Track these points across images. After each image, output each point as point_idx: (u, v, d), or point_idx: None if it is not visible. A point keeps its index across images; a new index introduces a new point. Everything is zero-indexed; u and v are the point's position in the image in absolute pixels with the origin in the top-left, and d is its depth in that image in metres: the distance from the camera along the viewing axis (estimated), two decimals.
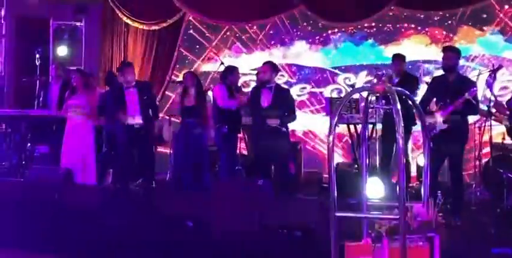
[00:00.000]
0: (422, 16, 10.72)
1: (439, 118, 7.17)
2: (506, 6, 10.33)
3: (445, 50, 7.54)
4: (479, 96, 7.54)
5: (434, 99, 7.42)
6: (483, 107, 8.07)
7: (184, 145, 8.54)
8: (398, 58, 9.00)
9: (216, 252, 6.36)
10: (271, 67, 8.23)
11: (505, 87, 10.16)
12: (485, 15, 10.38)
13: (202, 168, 8.37)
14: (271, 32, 11.99)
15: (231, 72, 9.22)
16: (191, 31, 12.42)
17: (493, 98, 8.08)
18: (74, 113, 8.77)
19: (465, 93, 6.99)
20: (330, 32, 11.56)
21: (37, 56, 11.35)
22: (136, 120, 8.65)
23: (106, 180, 9.66)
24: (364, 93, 4.55)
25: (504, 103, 8.32)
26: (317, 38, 11.69)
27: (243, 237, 6.42)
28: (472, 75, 8.56)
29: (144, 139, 8.81)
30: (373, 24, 11.06)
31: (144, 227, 7.16)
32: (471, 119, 7.81)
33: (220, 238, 6.48)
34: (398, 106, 3.86)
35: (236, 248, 6.33)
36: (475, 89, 7.11)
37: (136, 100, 8.69)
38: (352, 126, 9.55)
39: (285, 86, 9.23)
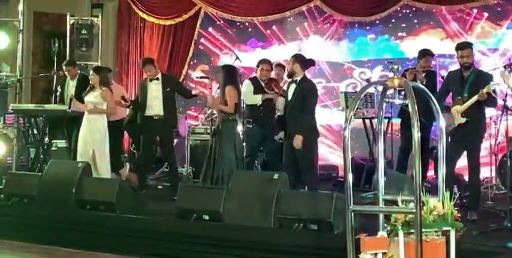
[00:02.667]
0: (437, 10, 10.66)
1: (456, 116, 7.17)
2: None
3: (464, 46, 7.44)
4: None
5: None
6: (499, 101, 8.03)
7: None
8: (428, 54, 8.93)
9: (232, 246, 6.40)
10: (293, 60, 8.04)
11: None
12: (500, 9, 10.31)
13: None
14: (287, 26, 12.00)
15: (257, 66, 9.07)
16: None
17: (509, 92, 8.04)
18: (91, 110, 8.80)
19: (484, 86, 6.98)
20: (345, 26, 11.54)
21: (54, 51, 11.42)
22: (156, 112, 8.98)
23: (123, 174, 9.73)
24: (380, 88, 4.56)
25: None
26: (332, 32, 11.68)
27: (258, 231, 6.45)
28: (488, 70, 8.52)
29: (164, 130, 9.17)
30: (389, 18, 11.02)
31: (161, 220, 7.20)
32: (487, 113, 7.79)
33: (235, 231, 6.51)
34: (414, 100, 3.87)
35: (251, 242, 6.37)
36: (493, 82, 7.11)
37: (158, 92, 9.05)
38: (368, 121, 9.57)
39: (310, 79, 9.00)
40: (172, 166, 9.28)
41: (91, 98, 8.78)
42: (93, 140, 8.68)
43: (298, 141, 7.60)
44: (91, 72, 9.00)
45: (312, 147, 7.90)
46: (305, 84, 7.96)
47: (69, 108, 9.23)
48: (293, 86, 7.91)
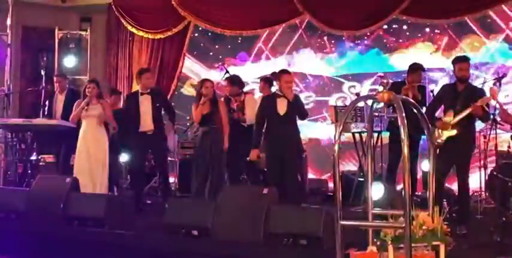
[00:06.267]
0: (427, 24, 10.70)
1: (447, 128, 7.18)
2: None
3: (461, 60, 7.47)
4: None
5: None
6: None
7: (201, 152, 8.60)
8: (420, 69, 8.77)
9: None
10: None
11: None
12: (490, 23, 10.36)
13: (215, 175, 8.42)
14: (276, 40, 12.02)
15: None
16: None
17: (498, 106, 8.06)
18: (90, 123, 8.79)
19: (476, 100, 7.00)
20: (335, 40, 11.56)
21: (42, 65, 11.38)
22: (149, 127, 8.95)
23: (112, 189, 9.69)
24: (370, 102, 4.54)
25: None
26: (322, 46, 11.70)
27: (247, 246, 6.41)
28: (477, 83, 8.55)
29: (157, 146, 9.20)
30: (378, 32, 11.04)
31: (149, 235, 7.16)
32: (477, 127, 7.80)
33: (225, 247, 6.47)
34: (403, 114, 3.86)
35: (241, 257, 6.33)
36: (487, 96, 7.14)
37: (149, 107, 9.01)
38: (357, 135, 9.56)
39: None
40: (166, 179, 9.36)
41: (92, 111, 8.77)
42: (95, 155, 8.69)
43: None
44: (92, 85, 8.91)
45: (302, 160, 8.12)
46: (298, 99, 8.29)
47: None
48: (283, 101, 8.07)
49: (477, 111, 7.07)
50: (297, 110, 8.16)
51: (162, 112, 9.28)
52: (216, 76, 11.67)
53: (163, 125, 9.32)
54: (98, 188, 8.61)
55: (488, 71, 10.24)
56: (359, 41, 11.39)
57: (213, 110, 8.48)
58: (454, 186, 7.85)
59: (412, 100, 4.35)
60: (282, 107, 8.09)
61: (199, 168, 8.57)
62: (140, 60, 12.80)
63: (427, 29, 10.80)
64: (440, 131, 7.18)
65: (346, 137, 9.50)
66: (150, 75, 9.25)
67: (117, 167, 10.24)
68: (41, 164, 10.14)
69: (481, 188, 8.85)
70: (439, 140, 7.15)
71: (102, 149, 8.81)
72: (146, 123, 8.96)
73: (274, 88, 10.50)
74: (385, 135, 9.18)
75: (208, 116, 8.48)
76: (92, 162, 8.71)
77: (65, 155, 9.59)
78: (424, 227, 4.05)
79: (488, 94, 7.37)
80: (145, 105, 8.99)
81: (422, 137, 8.24)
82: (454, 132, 7.15)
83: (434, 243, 4.06)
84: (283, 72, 8.44)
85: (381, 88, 4.19)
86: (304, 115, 8.32)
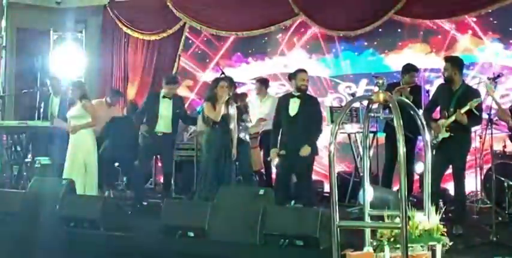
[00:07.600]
0: (422, 24, 10.69)
1: (441, 129, 7.19)
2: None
3: (445, 60, 7.52)
4: None
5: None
6: (484, 115, 8.04)
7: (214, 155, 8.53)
8: (413, 70, 8.82)
9: None
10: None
11: (505, 95, 10.13)
12: (485, 24, 10.36)
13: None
14: (271, 41, 12.00)
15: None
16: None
17: (494, 106, 8.06)
18: (75, 127, 8.80)
19: (469, 102, 7.01)
20: (330, 41, 11.55)
21: (37, 67, 11.36)
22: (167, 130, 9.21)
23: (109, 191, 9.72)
24: (365, 102, 4.54)
25: (508, 110, 8.26)
26: (317, 47, 11.67)
27: (244, 247, 6.40)
28: (472, 84, 8.55)
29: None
30: (374, 33, 11.03)
31: (146, 237, 7.15)
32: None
33: (221, 248, 6.46)
34: (399, 115, 3.85)
35: None
36: (479, 99, 7.13)
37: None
38: (353, 135, 9.56)
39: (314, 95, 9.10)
40: (168, 180, 9.48)
41: (73, 112, 8.78)
42: (82, 156, 8.69)
43: (307, 151, 7.80)
44: (71, 87, 9.01)
45: (313, 163, 8.15)
46: (313, 100, 8.28)
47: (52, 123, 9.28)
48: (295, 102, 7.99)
49: (462, 119, 7.07)
50: (308, 112, 8.00)
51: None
52: (212, 77, 11.67)
53: (177, 130, 9.60)
54: (82, 190, 8.58)
55: (484, 71, 10.23)
56: (354, 42, 11.37)
57: (227, 111, 8.42)
58: (450, 186, 7.85)
59: (407, 100, 4.35)
60: (293, 107, 8.01)
61: (209, 170, 8.41)
62: (135, 61, 12.79)
63: (423, 30, 10.79)
64: (435, 132, 7.22)
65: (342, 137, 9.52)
66: (177, 87, 9.67)
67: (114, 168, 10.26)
68: (36, 165, 10.11)
69: (476, 188, 8.86)
70: (435, 141, 7.19)
71: (82, 150, 8.80)
72: (164, 126, 9.20)
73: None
74: (381, 136, 9.20)
75: (223, 117, 8.42)
76: (73, 165, 8.72)
77: (60, 156, 9.56)
78: (420, 227, 4.05)
79: (483, 94, 7.38)
80: (166, 108, 9.22)
81: (418, 137, 8.25)
82: (447, 134, 7.17)
83: (431, 243, 4.06)
84: (300, 70, 8.34)
85: (376, 89, 4.18)
86: (312, 122, 8.04)
